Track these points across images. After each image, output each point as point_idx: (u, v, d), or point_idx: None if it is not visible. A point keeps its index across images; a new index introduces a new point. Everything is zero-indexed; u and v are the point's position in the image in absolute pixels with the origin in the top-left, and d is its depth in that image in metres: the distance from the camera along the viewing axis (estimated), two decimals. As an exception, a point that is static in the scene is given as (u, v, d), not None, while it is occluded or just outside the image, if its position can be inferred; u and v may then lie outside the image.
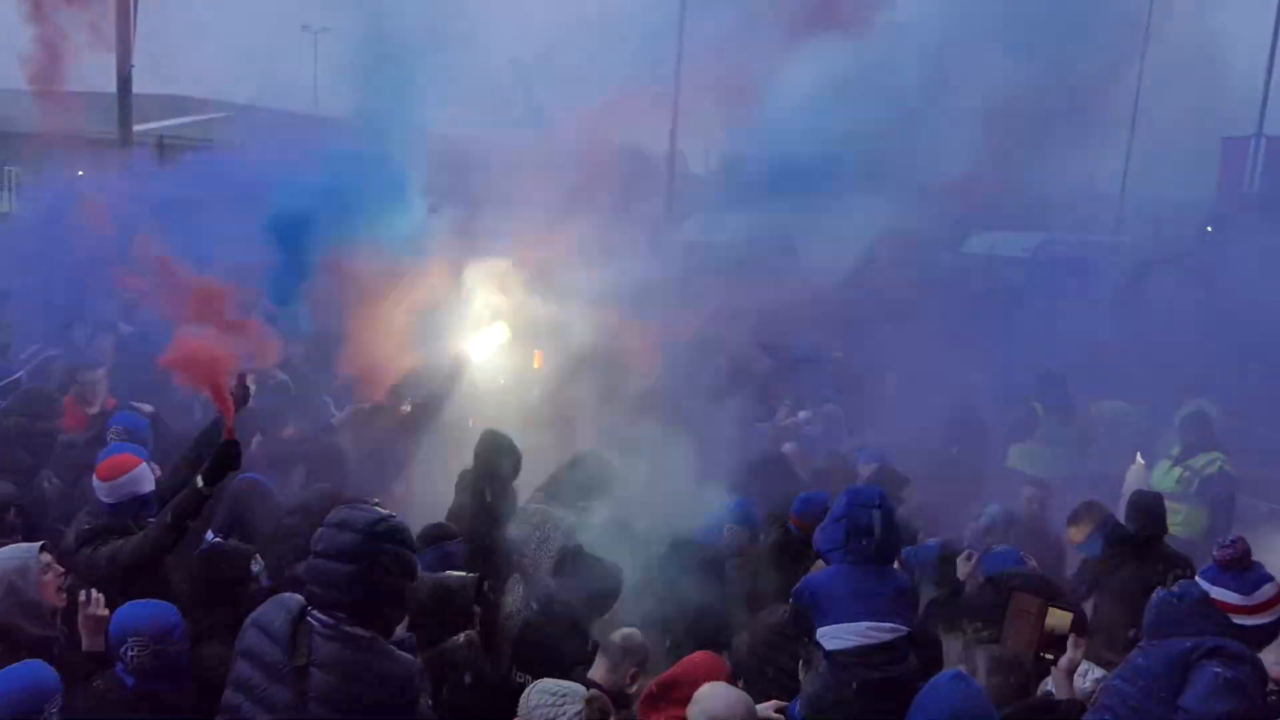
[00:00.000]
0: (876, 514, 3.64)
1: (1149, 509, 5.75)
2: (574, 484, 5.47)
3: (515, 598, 4.69)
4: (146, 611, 3.74)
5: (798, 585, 3.79)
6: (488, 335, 7.32)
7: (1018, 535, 6.31)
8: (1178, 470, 7.98)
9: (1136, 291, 10.90)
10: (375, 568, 2.99)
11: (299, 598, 3.08)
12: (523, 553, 5.00)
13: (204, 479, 4.26)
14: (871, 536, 3.62)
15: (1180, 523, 7.39)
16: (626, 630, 4.18)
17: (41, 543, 4.07)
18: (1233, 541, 3.82)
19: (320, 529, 3.10)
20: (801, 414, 8.95)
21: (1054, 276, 14.92)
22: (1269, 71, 25.14)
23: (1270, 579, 3.95)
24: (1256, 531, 8.56)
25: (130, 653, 3.63)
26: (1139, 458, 9.34)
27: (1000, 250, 17.93)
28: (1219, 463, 7.89)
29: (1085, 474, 9.00)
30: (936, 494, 7.28)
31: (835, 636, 3.51)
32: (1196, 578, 3.90)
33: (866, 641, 3.46)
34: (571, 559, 4.69)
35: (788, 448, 8.14)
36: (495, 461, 5.00)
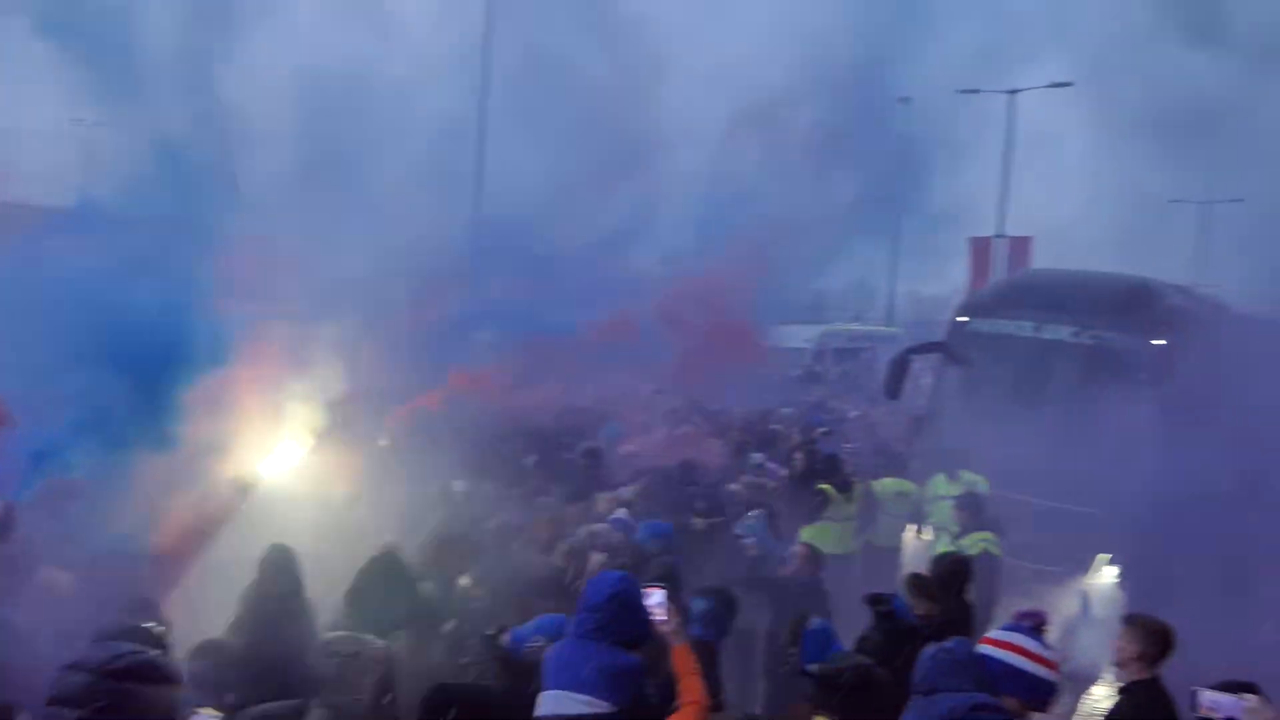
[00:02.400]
0: (606, 591, 3.83)
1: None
2: (374, 592, 5.23)
3: None
4: None
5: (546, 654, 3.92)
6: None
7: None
8: (953, 548, 8.60)
9: (901, 376, 11.84)
10: (113, 713, 2.60)
11: None
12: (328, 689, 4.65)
13: None
14: (596, 612, 3.78)
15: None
16: None
17: None
18: (1039, 608, 4.24)
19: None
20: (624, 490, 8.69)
21: (835, 363, 16.13)
22: (1004, 179, 28.50)
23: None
24: (1024, 588, 9.43)
25: None
26: (922, 532, 10.08)
27: (787, 341, 19.11)
28: (983, 543, 8.55)
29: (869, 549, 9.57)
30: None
31: (541, 703, 3.68)
32: (996, 631, 4.12)
33: (557, 711, 3.59)
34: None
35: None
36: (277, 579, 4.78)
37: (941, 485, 10.12)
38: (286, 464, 7.30)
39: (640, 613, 3.91)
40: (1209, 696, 3.48)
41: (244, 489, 6.76)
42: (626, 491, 7.95)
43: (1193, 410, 10.31)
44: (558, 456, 9.50)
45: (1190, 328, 11.05)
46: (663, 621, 4.06)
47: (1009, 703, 3.73)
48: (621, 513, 7.69)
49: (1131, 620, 4.57)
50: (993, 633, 4.14)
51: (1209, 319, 12.25)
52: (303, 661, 4.63)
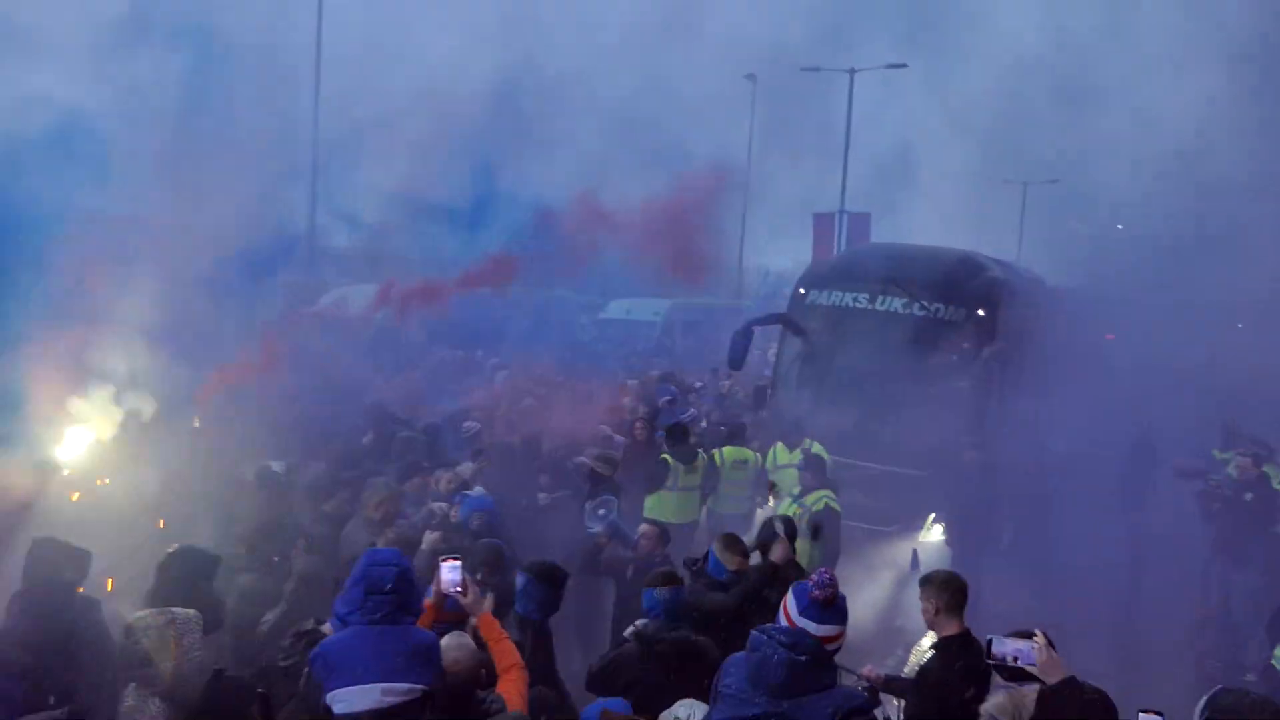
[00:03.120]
0: (393, 571, 3.65)
1: None
2: (173, 585, 4.85)
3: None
4: None
5: (313, 654, 3.63)
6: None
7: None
8: (795, 507, 8.82)
9: (744, 347, 12.04)
10: None
11: None
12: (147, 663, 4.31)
13: None
14: (388, 595, 3.62)
15: (798, 555, 8.14)
16: None
17: None
18: (829, 581, 3.99)
19: None
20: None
21: (683, 336, 16.39)
22: (846, 157, 29.50)
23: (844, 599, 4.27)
24: (859, 549, 9.81)
25: None
26: (769, 501, 10.28)
27: (635, 314, 19.19)
28: (825, 500, 8.82)
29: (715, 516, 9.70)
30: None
31: (345, 700, 3.43)
32: (796, 617, 3.95)
33: (374, 705, 3.42)
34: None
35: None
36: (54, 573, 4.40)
37: (782, 453, 10.36)
38: (89, 449, 6.78)
39: (418, 586, 3.80)
40: (1009, 644, 3.59)
41: (43, 477, 6.24)
42: (466, 469, 7.73)
43: (1012, 375, 10.95)
44: (394, 434, 9.15)
45: (1011, 299, 11.69)
46: (459, 594, 3.99)
47: None
48: (478, 490, 7.49)
49: (923, 581, 4.71)
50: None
51: (1027, 291, 13.02)
52: (82, 660, 4.30)
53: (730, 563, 5.50)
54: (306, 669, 3.62)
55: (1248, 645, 8.26)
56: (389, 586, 3.60)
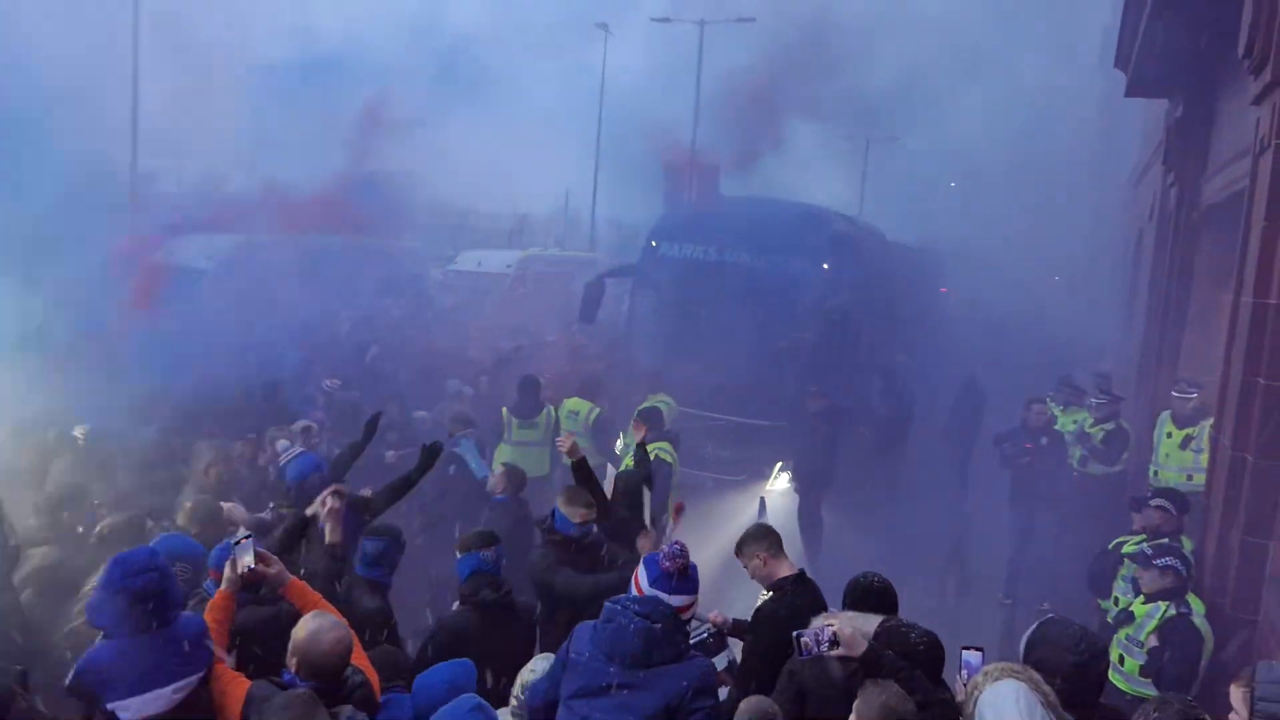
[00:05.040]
0: (154, 578, 3.43)
1: None
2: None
3: None
4: None
5: (80, 666, 3.39)
6: None
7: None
8: (631, 459, 8.85)
9: (596, 300, 12.00)
10: None
11: None
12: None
13: None
14: (156, 599, 3.40)
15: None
16: None
17: None
18: (679, 552, 3.92)
19: None
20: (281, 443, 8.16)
21: (533, 288, 16.28)
22: (696, 109, 29.57)
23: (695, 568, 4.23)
24: (701, 496, 10.03)
25: None
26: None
27: (486, 266, 18.90)
28: (659, 452, 8.89)
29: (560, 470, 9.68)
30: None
31: (132, 708, 3.28)
32: (648, 588, 3.87)
33: (174, 701, 3.30)
34: None
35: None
36: None
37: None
38: None
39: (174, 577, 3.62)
40: (814, 634, 3.51)
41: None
42: (298, 427, 7.39)
43: (855, 326, 11.35)
44: (228, 392, 8.62)
45: (854, 252, 12.07)
46: (261, 569, 3.87)
47: None
48: (282, 444, 7.09)
49: (740, 547, 4.73)
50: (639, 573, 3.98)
51: (869, 244, 13.49)
52: None
53: (575, 515, 5.44)
54: (72, 676, 3.38)
55: (1055, 582, 8.96)
56: (153, 593, 3.39)
